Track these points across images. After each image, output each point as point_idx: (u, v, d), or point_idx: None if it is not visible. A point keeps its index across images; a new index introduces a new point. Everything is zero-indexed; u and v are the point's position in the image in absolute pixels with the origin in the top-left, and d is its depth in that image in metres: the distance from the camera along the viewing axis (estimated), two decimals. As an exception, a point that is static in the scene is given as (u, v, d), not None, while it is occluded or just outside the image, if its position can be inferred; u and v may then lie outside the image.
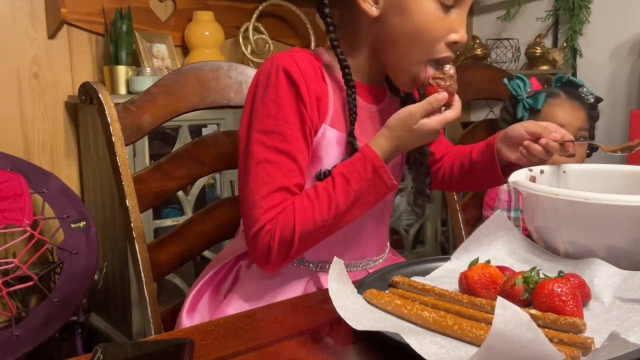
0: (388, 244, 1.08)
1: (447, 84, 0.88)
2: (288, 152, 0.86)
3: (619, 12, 2.57)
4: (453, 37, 0.90)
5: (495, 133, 1.03)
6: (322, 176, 0.91)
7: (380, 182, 0.87)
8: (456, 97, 0.90)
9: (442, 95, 0.87)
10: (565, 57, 2.74)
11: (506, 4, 2.94)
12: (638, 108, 2.37)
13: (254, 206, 0.86)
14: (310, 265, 0.97)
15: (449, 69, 0.89)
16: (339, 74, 0.93)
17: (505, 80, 1.37)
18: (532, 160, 0.94)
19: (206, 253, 1.86)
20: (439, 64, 0.91)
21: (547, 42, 2.87)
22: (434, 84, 0.88)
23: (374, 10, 0.90)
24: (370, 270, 1.01)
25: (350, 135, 0.91)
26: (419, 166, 1.04)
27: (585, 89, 1.48)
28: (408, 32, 0.89)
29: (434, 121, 0.88)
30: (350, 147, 0.91)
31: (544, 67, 2.72)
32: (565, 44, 2.75)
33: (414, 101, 1.01)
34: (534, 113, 1.45)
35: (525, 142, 0.94)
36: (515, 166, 0.98)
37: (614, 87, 2.60)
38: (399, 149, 0.89)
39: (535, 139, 0.94)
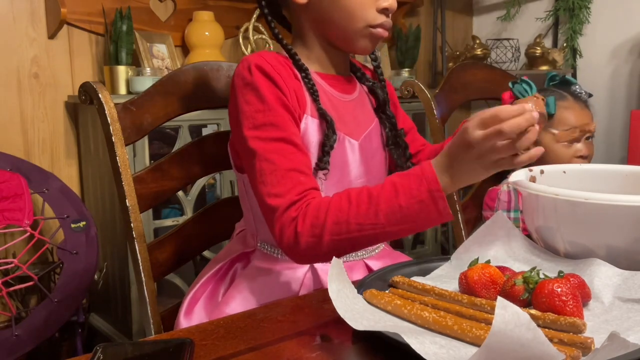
0: None
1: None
2: (284, 138, 0.87)
3: (619, 12, 2.56)
4: (382, 3, 0.94)
5: None
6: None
7: (434, 207, 0.77)
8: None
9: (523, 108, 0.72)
10: (565, 57, 2.74)
11: (506, 4, 2.94)
12: (638, 108, 2.37)
13: (269, 197, 0.84)
14: None
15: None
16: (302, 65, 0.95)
17: (510, 84, 1.37)
18: None
19: (206, 253, 1.86)
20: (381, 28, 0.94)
21: (547, 42, 2.87)
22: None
23: None
24: (367, 260, 1.01)
25: (319, 110, 0.93)
26: (398, 146, 1.04)
27: (578, 86, 1.47)
28: (338, 8, 0.93)
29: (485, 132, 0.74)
30: (325, 121, 0.92)
31: (544, 68, 2.72)
32: (565, 44, 2.75)
33: (381, 88, 1.04)
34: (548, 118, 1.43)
35: None
36: None
37: (614, 87, 2.60)
38: (454, 173, 0.78)
39: None
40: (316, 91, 0.93)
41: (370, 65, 1.12)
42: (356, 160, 0.98)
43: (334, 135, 0.92)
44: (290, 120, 0.89)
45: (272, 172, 0.85)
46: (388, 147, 1.05)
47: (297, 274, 0.96)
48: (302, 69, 0.94)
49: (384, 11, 0.94)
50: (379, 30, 0.94)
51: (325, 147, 0.92)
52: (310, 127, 0.92)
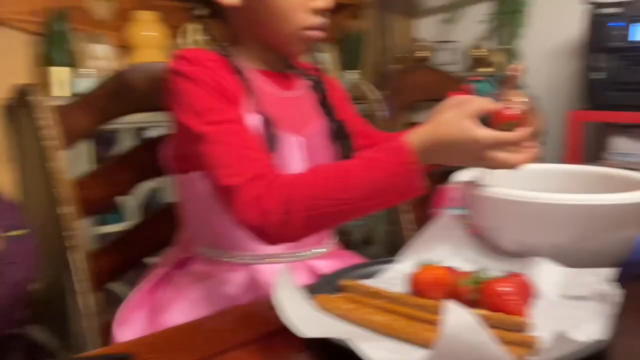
0: (333, 235, 1.06)
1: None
2: (230, 119, 0.84)
3: (555, 16, 2.66)
4: (317, 4, 0.91)
5: None
6: None
7: (407, 180, 0.75)
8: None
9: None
10: (506, 59, 2.81)
11: (449, 7, 3.00)
12: (573, 109, 2.45)
13: (224, 178, 0.79)
14: (243, 258, 0.94)
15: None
16: (238, 64, 0.92)
17: (475, 85, 1.36)
18: None
19: (152, 260, 1.81)
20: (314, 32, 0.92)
21: (489, 45, 2.94)
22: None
23: (235, 0, 0.92)
24: (312, 262, 0.99)
25: (259, 112, 0.90)
26: (341, 138, 1.02)
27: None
28: (270, 11, 0.90)
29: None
30: (265, 125, 0.89)
31: (487, 69, 2.79)
32: (505, 47, 2.83)
33: (321, 83, 1.03)
34: None
35: None
36: None
37: (551, 88, 2.69)
38: (440, 153, 0.75)
39: None
40: (253, 92, 0.90)
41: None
42: (298, 157, 0.95)
43: (276, 138, 0.90)
44: (231, 103, 0.86)
45: (225, 153, 0.81)
46: (334, 140, 1.02)
47: (238, 277, 0.93)
48: (238, 70, 0.91)
49: (319, 12, 0.91)
50: (314, 32, 0.92)
51: (270, 149, 0.89)
52: (249, 123, 0.89)
